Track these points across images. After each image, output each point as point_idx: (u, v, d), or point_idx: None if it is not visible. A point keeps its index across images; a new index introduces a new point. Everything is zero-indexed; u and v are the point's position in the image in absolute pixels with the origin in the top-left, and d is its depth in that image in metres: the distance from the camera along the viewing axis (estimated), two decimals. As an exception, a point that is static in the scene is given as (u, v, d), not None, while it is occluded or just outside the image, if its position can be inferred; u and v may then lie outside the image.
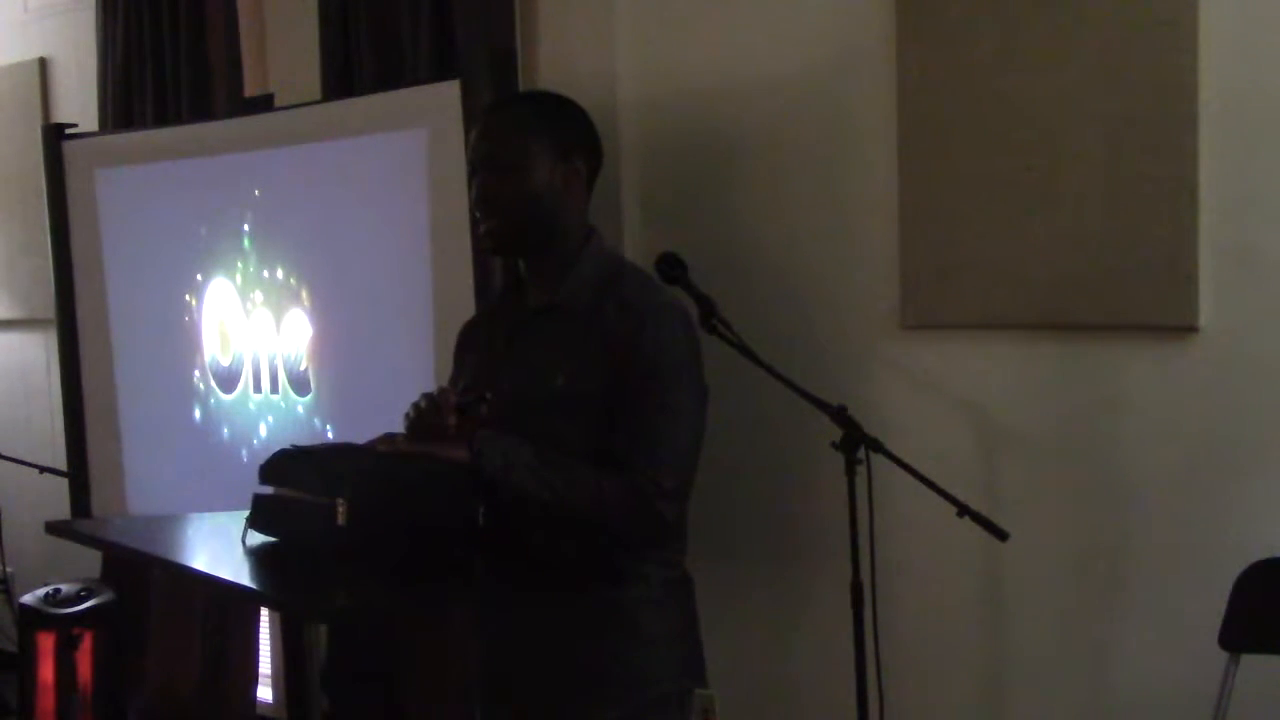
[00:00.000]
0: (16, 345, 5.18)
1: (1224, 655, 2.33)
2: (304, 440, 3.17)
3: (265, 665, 4.19)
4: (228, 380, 3.84)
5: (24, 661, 4.28)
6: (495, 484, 2.16)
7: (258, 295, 3.72)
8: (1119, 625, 2.56)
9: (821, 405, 2.31)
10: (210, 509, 2.93)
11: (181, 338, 3.93)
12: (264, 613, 4.14)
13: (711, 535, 2.60)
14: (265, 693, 4.18)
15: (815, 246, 2.89)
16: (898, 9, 2.72)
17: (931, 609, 2.75)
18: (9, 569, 4.92)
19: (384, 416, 2.31)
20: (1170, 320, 2.44)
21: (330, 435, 3.54)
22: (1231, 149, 2.37)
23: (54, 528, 2.53)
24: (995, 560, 2.61)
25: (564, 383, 2.23)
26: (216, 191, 3.77)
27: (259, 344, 3.74)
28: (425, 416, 2.20)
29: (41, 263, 4.45)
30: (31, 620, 4.26)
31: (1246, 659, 2.33)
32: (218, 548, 2.40)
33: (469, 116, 3.03)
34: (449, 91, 3.14)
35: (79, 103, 4.70)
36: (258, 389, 3.76)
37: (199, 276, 3.86)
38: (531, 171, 2.26)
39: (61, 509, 4.13)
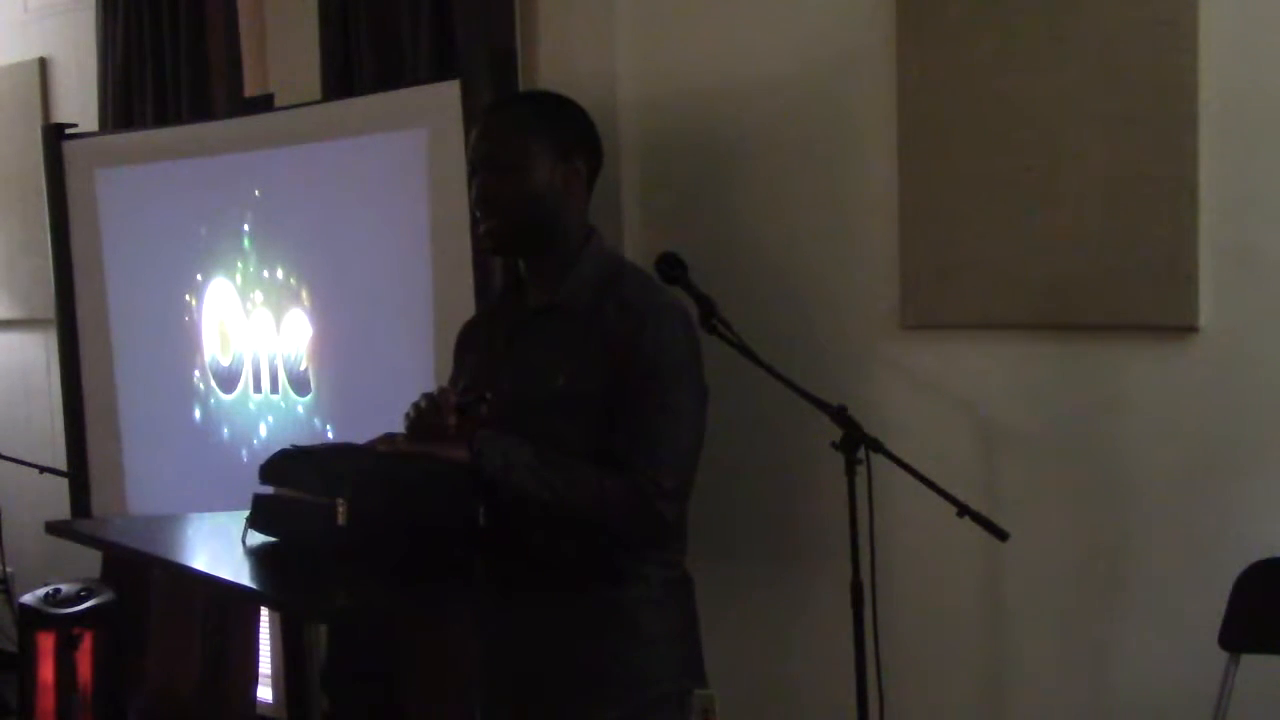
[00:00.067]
0: (16, 345, 5.17)
1: (1224, 655, 2.33)
2: (304, 440, 3.17)
3: (265, 665, 4.19)
4: (228, 380, 3.84)
5: (24, 661, 4.28)
6: (495, 484, 2.16)
7: (258, 295, 3.72)
8: (1119, 625, 2.56)
9: (821, 405, 2.31)
10: (210, 509, 2.92)
11: (181, 338, 3.92)
12: (264, 613, 4.14)
13: (711, 535, 2.60)
14: (265, 693, 4.18)
15: (815, 246, 2.89)
16: (898, 9, 2.72)
17: (931, 609, 2.75)
18: (9, 569, 4.92)
19: (384, 416, 2.31)
20: (1170, 320, 2.44)
21: (330, 435, 3.54)
22: (1231, 149, 2.38)
23: (54, 528, 2.53)
24: (995, 560, 2.61)
25: (564, 383, 2.22)
26: (216, 191, 3.77)
27: (259, 344, 3.74)
28: (425, 416, 2.19)
29: (41, 263, 4.45)
30: (31, 620, 4.25)
31: (1246, 659, 2.33)
32: (218, 548, 2.39)
33: (469, 116, 3.03)
34: (449, 91, 3.14)
35: (79, 103, 4.69)
36: (258, 389, 3.75)
37: (199, 276, 3.86)
38: (531, 171, 2.26)
39: (61, 509, 4.13)
